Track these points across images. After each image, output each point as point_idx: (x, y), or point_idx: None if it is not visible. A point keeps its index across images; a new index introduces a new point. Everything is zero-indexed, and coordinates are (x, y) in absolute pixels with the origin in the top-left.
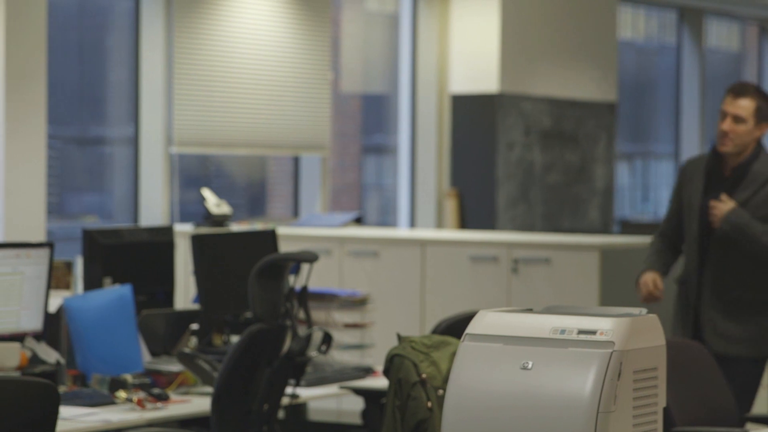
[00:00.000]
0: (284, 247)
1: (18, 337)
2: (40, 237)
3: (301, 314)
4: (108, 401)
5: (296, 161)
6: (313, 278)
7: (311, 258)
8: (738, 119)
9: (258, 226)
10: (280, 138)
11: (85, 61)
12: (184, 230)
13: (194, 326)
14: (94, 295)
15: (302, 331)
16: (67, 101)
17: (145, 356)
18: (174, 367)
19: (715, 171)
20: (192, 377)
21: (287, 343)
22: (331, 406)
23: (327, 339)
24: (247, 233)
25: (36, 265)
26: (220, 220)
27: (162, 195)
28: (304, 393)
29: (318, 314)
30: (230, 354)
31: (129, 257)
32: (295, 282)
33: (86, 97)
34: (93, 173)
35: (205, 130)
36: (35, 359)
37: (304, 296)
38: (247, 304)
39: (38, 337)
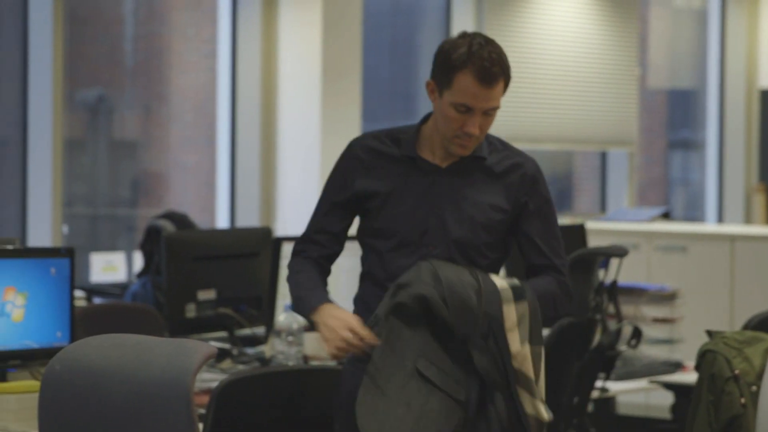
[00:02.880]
0: (592, 242)
1: None
2: None
3: (611, 308)
4: None
5: (603, 156)
6: (621, 272)
7: (621, 252)
8: (491, 111)
9: (565, 220)
10: (587, 133)
11: (397, 59)
12: None
13: None
14: None
15: (612, 325)
16: (380, 98)
17: None
18: None
19: (424, 162)
20: None
21: (597, 337)
22: (639, 400)
23: (636, 333)
24: None
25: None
26: None
27: None
28: (614, 387)
29: (627, 308)
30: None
31: None
32: (605, 276)
33: (398, 94)
34: None
35: (513, 125)
36: None
37: (614, 290)
38: None
39: None
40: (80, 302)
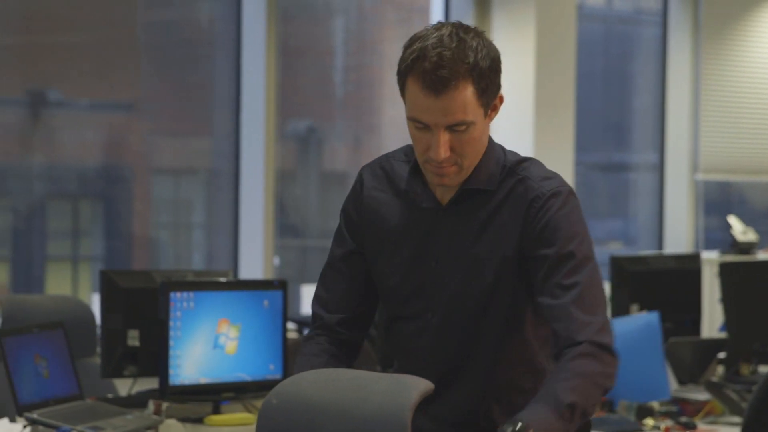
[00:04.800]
0: None
1: None
2: None
3: None
4: (635, 428)
5: None
6: None
7: None
8: (458, 127)
9: None
10: None
11: (610, 88)
12: (709, 258)
13: (721, 355)
14: (622, 321)
15: None
16: (593, 128)
17: (672, 384)
18: (701, 395)
19: (422, 198)
20: (719, 407)
21: None
22: None
23: None
24: None
25: None
26: (746, 248)
27: (686, 222)
28: None
29: None
30: (760, 384)
31: (656, 284)
32: None
33: (611, 124)
34: (616, 199)
35: (731, 157)
36: None
37: None
38: None
39: None
40: (292, 334)
